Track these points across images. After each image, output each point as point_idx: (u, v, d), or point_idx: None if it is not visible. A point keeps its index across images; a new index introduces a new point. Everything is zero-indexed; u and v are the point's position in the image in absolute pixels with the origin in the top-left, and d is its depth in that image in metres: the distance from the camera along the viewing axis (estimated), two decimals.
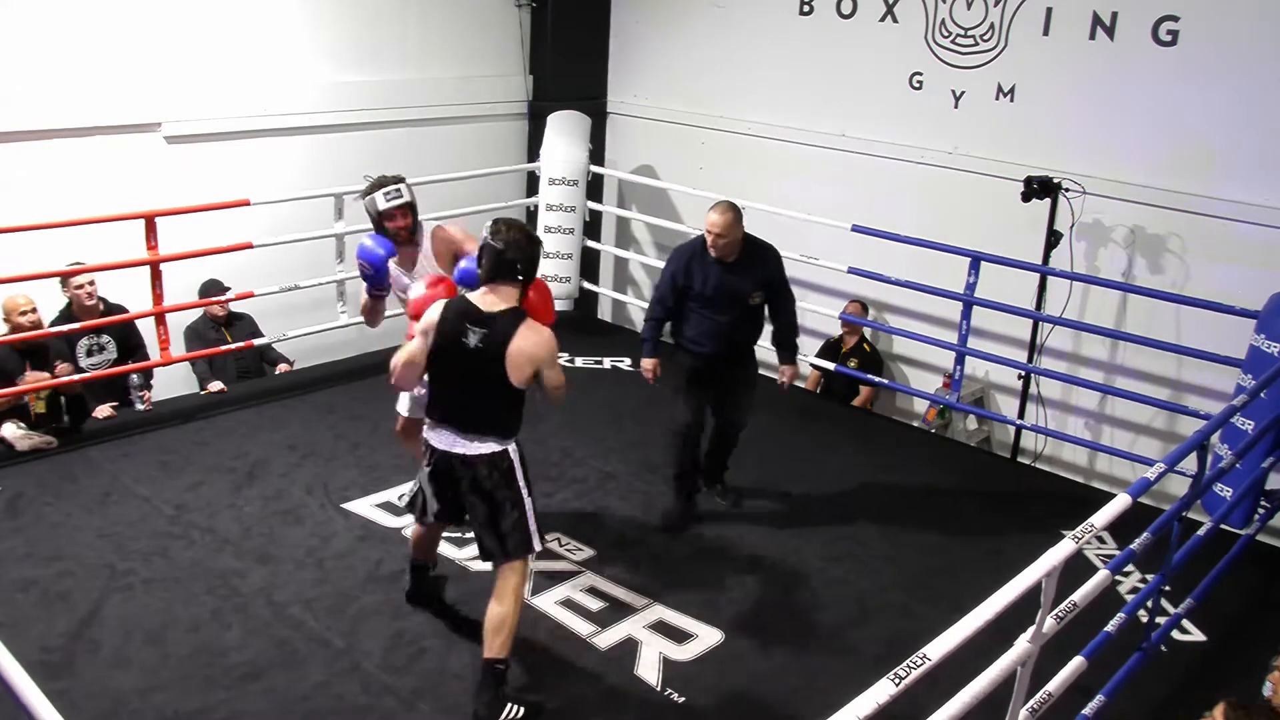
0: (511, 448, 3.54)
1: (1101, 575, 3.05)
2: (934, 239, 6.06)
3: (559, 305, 7.83)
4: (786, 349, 4.88)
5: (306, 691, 3.65)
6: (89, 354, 5.57)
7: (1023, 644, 2.66)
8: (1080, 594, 2.90)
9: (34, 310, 5.25)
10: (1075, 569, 3.25)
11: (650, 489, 5.24)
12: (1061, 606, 2.79)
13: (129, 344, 5.72)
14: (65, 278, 5.41)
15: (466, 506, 3.57)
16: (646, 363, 4.86)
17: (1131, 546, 3.26)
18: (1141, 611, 3.91)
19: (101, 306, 5.55)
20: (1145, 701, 3.80)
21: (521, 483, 3.56)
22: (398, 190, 4.16)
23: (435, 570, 4.21)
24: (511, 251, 3.41)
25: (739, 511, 5.04)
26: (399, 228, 4.18)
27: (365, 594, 4.25)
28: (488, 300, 3.44)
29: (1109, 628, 3.47)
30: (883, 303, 6.98)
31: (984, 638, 2.38)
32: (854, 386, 6.79)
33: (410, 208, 4.20)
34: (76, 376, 5.43)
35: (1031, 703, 2.92)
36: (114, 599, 4.11)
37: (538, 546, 3.59)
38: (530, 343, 3.40)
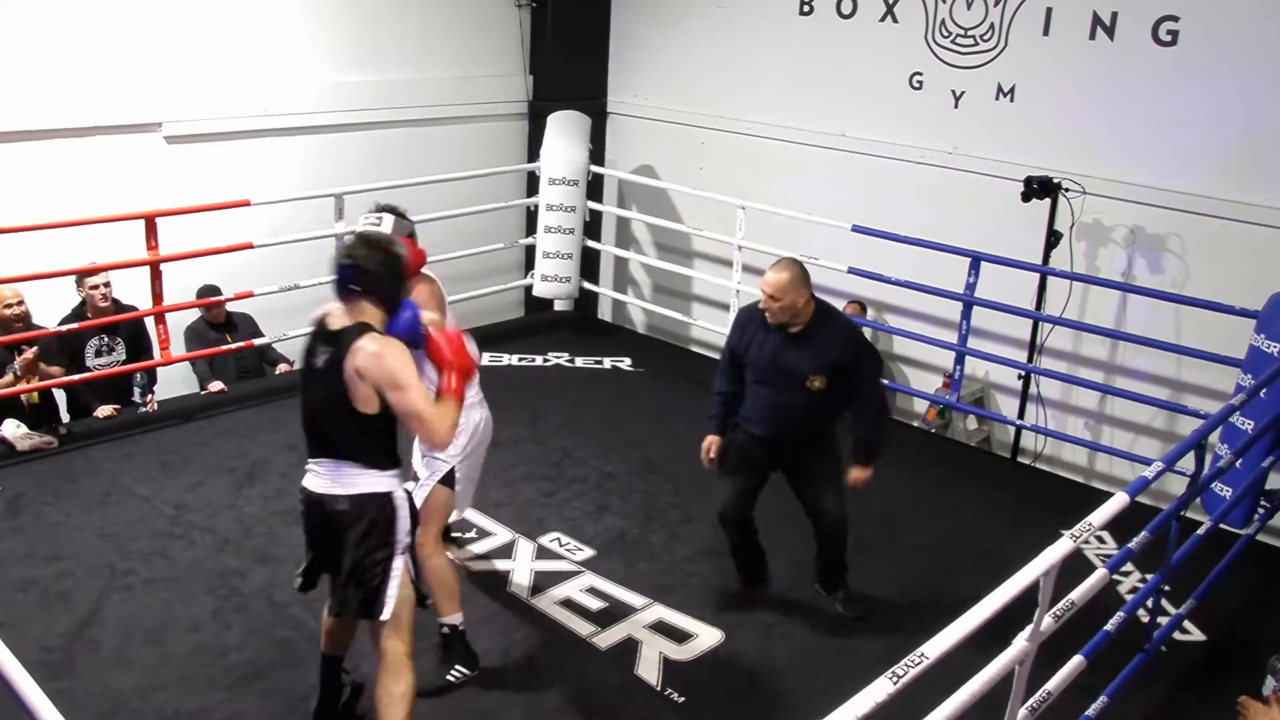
0: (395, 491, 3.07)
1: (1100, 574, 3.05)
2: (934, 239, 6.06)
3: (559, 305, 7.94)
4: (858, 447, 4.07)
5: (306, 692, 3.65)
6: (98, 354, 5.57)
7: (1021, 642, 2.66)
8: (1078, 592, 2.90)
9: (20, 303, 5.24)
10: (1075, 569, 3.25)
11: (650, 489, 5.24)
12: (1060, 605, 2.79)
13: (139, 345, 5.73)
14: (81, 277, 5.42)
15: (333, 557, 3.07)
16: (706, 441, 4.17)
17: (1130, 545, 3.26)
18: (1141, 611, 3.91)
19: (114, 309, 5.56)
20: (1146, 702, 3.79)
21: (401, 536, 3.08)
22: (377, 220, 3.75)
23: (351, 676, 3.52)
24: (343, 260, 2.99)
25: None
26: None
27: None
28: (337, 317, 3.03)
29: (1109, 627, 3.47)
30: (883, 303, 6.98)
31: (983, 637, 2.38)
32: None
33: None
34: (78, 376, 5.44)
35: (1031, 701, 2.92)
36: (114, 599, 4.12)
37: (384, 615, 3.07)
38: (362, 357, 2.88)
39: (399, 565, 3.07)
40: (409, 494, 3.14)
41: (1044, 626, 2.68)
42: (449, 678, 3.71)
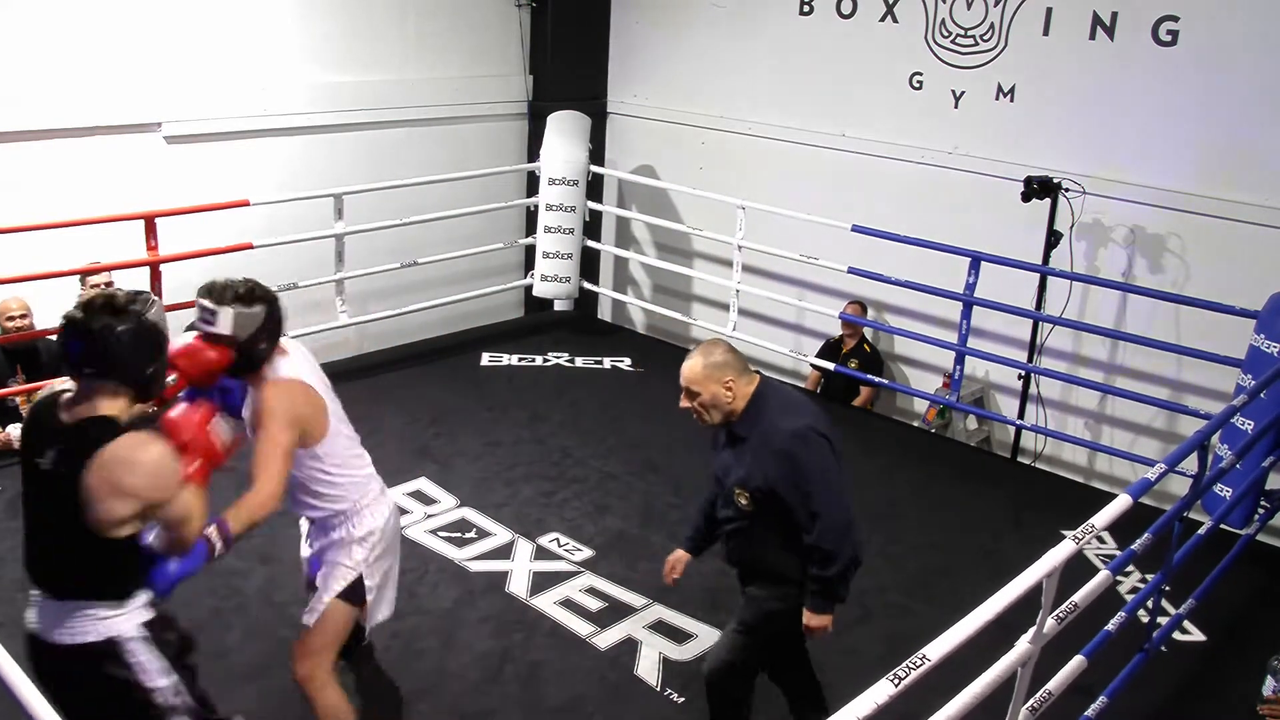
0: (130, 637, 2.36)
1: (1102, 576, 3.05)
2: (934, 239, 6.06)
3: (559, 305, 7.94)
4: (812, 590, 3.10)
5: None
6: None
7: (1023, 644, 2.65)
8: (1081, 595, 2.90)
9: (24, 316, 5.24)
10: (1076, 570, 3.25)
11: (650, 489, 5.24)
12: (1062, 607, 2.79)
13: None
14: (84, 276, 5.42)
15: None
16: (670, 557, 3.39)
17: (1132, 547, 3.26)
18: (1141, 612, 3.90)
19: None
20: (1145, 702, 3.79)
21: (155, 685, 2.37)
22: (211, 312, 2.87)
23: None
24: (71, 329, 2.32)
25: None
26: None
27: None
28: (76, 407, 2.33)
29: (1109, 626, 3.46)
30: (883, 303, 6.97)
31: (985, 638, 2.38)
32: (854, 386, 6.79)
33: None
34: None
35: (1031, 701, 2.92)
36: None
37: None
38: (107, 463, 2.21)
39: None
40: (150, 625, 2.41)
41: (1046, 628, 2.68)
42: None
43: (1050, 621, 2.69)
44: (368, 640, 3.37)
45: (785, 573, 3.11)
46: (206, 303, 2.84)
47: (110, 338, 2.29)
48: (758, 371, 3.12)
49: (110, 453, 2.22)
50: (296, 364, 3.01)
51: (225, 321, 2.82)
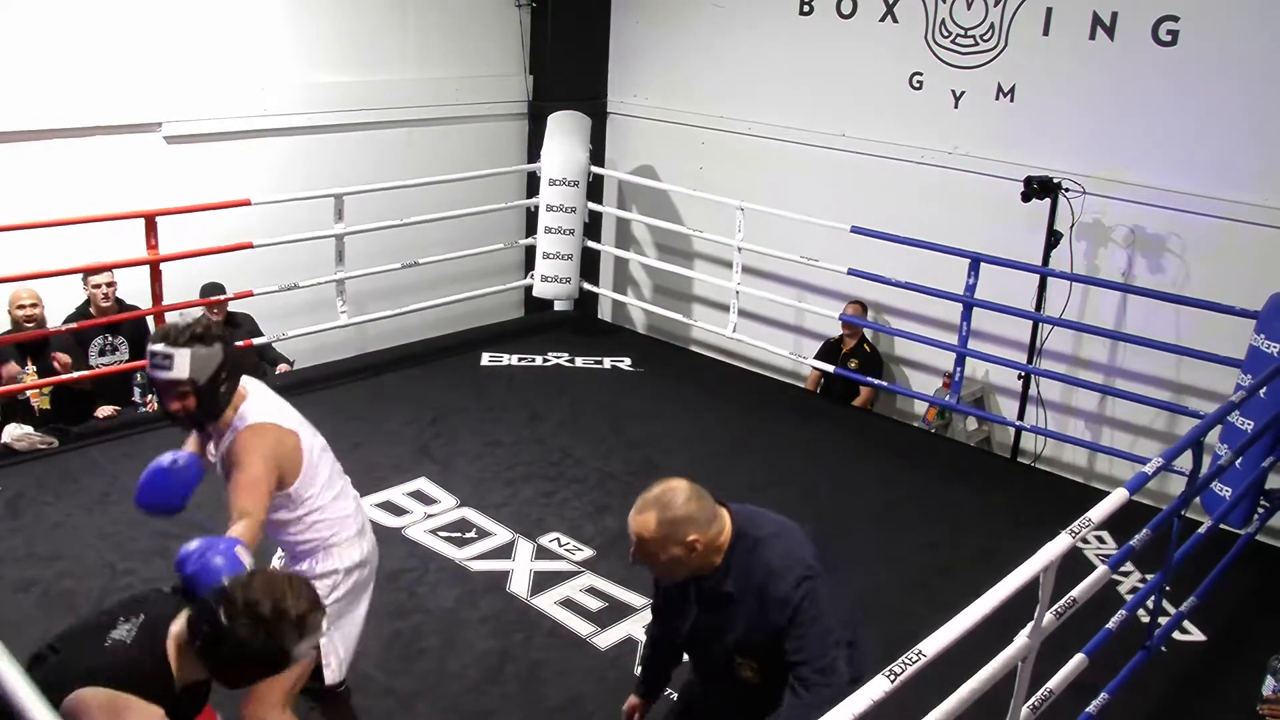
0: None
1: (1101, 571, 3.05)
2: (934, 239, 6.06)
3: (559, 306, 7.94)
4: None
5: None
6: (101, 353, 5.58)
7: (1022, 639, 2.65)
8: (1079, 590, 2.90)
9: (34, 305, 5.25)
10: (1076, 570, 3.25)
11: None
12: (1061, 602, 2.79)
13: (143, 345, 5.72)
14: (86, 274, 5.43)
15: None
16: (626, 705, 2.94)
17: (1130, 543, 3.25)
18: (1141, 611, 3.90)
19: (118, 308, 5.57)
20: (1145, 701, 3.80)
21: None
22: (166, 356, 2.69)
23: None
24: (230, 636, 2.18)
25: None
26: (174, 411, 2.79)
27: None
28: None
29: (1110, 625, 3.46)
30: (883, 304, 6.97)
31: (987, 637, 2.38)
32: (854, 387, 6.79)
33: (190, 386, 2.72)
34: (80, 374, 5.44)
35: (1033, 700, 2.92)
36: (114, 599, 4.10)
37: None
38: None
39: None
40: None
41: (1045, 623, 2.68)
42: None
43: (1049, 616, 2.69)
44: (344, 686, 3.15)
45: None
46: (159, 347, 2.69)
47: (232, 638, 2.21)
48: (720, 501, 2.49)
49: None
50: (263, 405, 2.88)
51: (183, 364, 2.68)
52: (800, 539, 2.54)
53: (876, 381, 6.57)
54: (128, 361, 5.65)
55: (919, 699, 2.24)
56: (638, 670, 3.02)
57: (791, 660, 2.43)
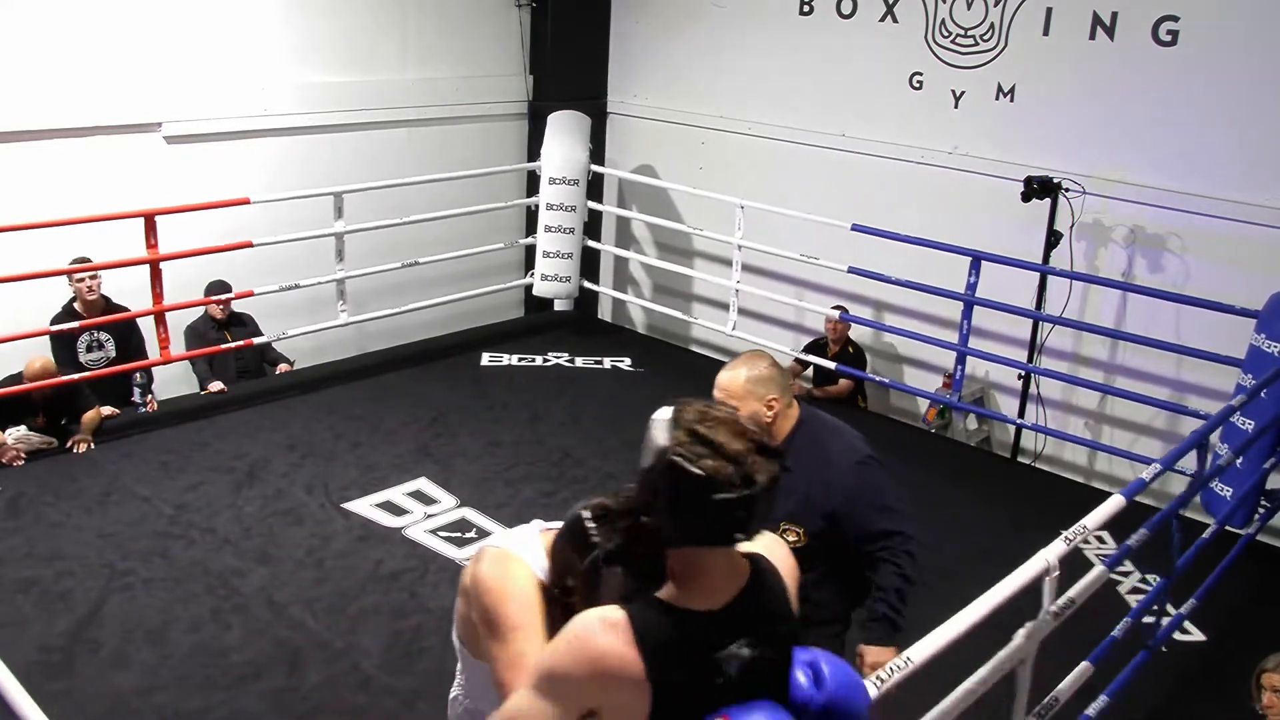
0: None
1: (1098, 571, 3.04)
2: (934, 239, 6.06)
3: (559, 305, 7.94)
4: (874, 620, 2.85)
5: (306, 691, 3.65)
6: (88, 350, 5.57)
7: (1019, 639, 2.65)
8: (1076, 589, 2.89)
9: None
10: (1075, 570, 3.25)
11: None
12: (1059, 602, 2.79)
13: (129, 344, 5.72)
14: (70, 276, 5.43)
15: None
16: None
17: (1128, 542, 3.25)
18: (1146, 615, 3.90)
19: (103, 303, 5.57)
20: (1146, 701, 3.79)
21: None
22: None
23: None
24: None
25: None
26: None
27: (365, 594, 4.25)
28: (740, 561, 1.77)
29: (1115, 632, 3.46)
30: (883, 302, 6.97)
31: (986, 641, 2.38)
32: (833, 379, 6.71)
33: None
34: (79, 375, 5.44)
35: (1038, 708, 2.92)
36: (114, 599, 4.11)
37: None
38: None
39: None
40: None
41: (1043, 624, 2.68)
42: None
43: (1046, 618, 2.69)
44: None
45: (832, 611, 2.88)
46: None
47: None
48: (797, 397, 2.76)
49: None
50: None
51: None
52: (861, 438, 2.85)
53: (855, 371, 6.52)
54: (115, 356, 5.64)
55: (920, 699, 2.24)
56: None
57: (869, 534, 2.71)
